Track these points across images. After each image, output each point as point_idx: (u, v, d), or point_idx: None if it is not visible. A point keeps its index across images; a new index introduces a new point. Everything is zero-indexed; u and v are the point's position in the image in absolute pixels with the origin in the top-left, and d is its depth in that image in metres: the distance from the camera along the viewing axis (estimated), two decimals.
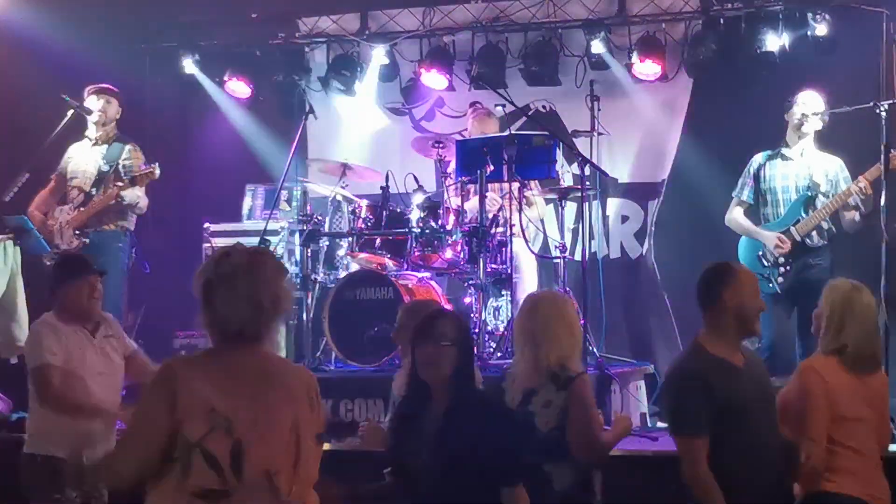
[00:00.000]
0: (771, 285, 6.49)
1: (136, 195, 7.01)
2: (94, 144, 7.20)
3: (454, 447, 3.55)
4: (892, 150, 6.10)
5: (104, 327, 4.75)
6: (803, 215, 6.45)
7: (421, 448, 3.62)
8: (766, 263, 6.52)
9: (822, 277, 6.35)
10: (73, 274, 4.69)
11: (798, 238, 6.44)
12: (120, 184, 6.94)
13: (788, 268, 6.48)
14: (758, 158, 6.70)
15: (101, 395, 4.61)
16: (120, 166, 7.12)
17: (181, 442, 2.77)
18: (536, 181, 7.20)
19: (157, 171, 6.89)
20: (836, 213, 6.46)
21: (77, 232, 7.00)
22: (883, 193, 6.02)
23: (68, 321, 4.65)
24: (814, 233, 6.45)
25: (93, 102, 7.14)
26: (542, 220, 7.37)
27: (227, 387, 2.84)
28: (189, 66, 8.60)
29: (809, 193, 6.48)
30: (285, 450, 2.86)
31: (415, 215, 6.68)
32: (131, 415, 2.94)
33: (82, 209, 7.03)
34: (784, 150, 6.62)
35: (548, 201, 7.90)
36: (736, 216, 6.72)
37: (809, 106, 6.50)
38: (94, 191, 7.06)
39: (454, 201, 6.92)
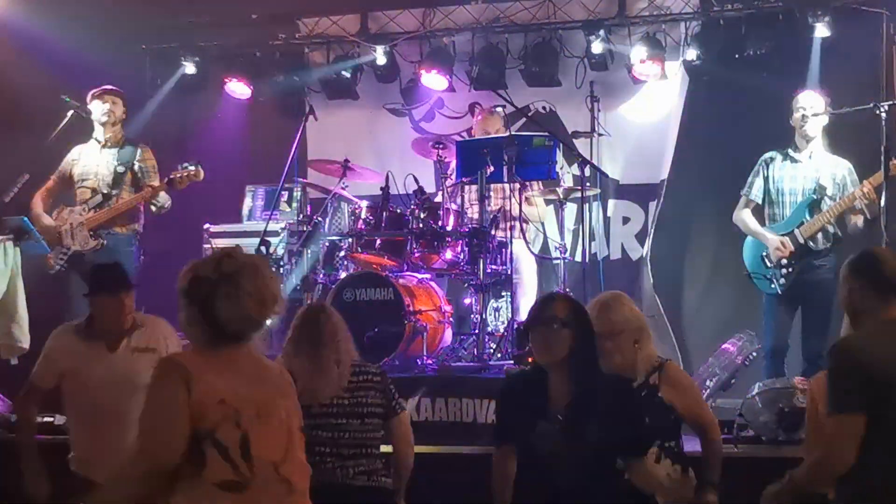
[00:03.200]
0: (773, 286, 6.50)
1: (166, 196, 7.05)
2: (103, 146, 7.21)
3: (585, 428, 3.54)
4: (893, 158, 6.09)
5: (136, 339, 4.68)
6: (807, 218, 6.44)
7: (547, 438, 3.59)
8: (768, 264, 6.52)
9: (826, 280, 6.40)
10: (106, 289, 4.66)
11: (801, 240, 6.43)
12: (153, 185, 6.97)
13: (791, 269, 6.47)
14: (767, 158, 6.69)
15: (123, 411, 4.32)
16: (136, 167, 7.14)
17: (192, 434, 2.81)
18: (538, 182, 7.19)
19: (202, 173, 6.91)
20: (842, 217, 6.46)
21: (92, 233, 7.01)
22: (883, 195, 6.02)
23: (91, 333, 4.66)
24: (818, 235, 6.45)
25: (98, 106, 7.15)
26: (542, 223, 7.37)
27: (231, 380, 2.91)
28: (189, 66, 8.60)
29: (815, 196, 6.47)
30: (283, 442, 2.94)
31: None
32: (142, 416, 2.91)
33: (100, 210, 7.03)
34: (792, 152, 6.61)
35: (548, 202, 7.91)
36: (743, 216, 6.71)
37: (808, 107, 6.50)
38: (113, 192, 7.08)
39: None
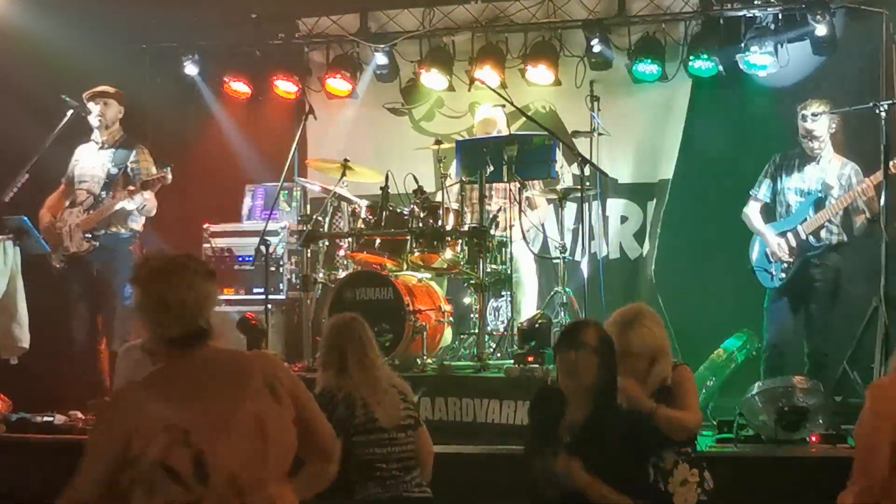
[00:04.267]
0: (773, 280, 6.62)
1: (144, 198, 7.02)
2: (101, 147, 7.22)
3: (589, 454, 3.56)
4: (893, 158, 6.12)
5: None
6: (811, 214, 6.52)
7: (551, 453, 3.62)
8: (771, 259, 6.64)
9: (827, 279, 6.46)
10: None
11: (804, 236, 6.52)
12: (131, 188, 6.96)
13: (791, 264, 6.57)
14: (776, 159, 6.81)
15: None
16: (129, 169, 7.15)
17: (140, 464, 2.74)
18: (539, 182, 7.20)
19: (170, 176, 6.90)
20: (847, 219, 6.53)
21: (87, 235, 7.01)
22: (883, 194, 6.03)
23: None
24: (821, 232, 6.53)
25: (91, 108, 7.16)
26: (542, 224, 7.37)
27: (180, 399, 2.81)
28: (189, 66, 8.60)
29: (820, 195, 6.55)
30: (251, 449, 2.81)
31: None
32: (86, 445, 2.89)
33: (92, 212, 7.04)
34: (801, 152, 6.70)
35: (548, 201, 7.91)
36: (749, 213, 6.86)
37: (811, 113, 6.56)
38: (103, 194, 7.08)
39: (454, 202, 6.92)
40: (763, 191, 6.80)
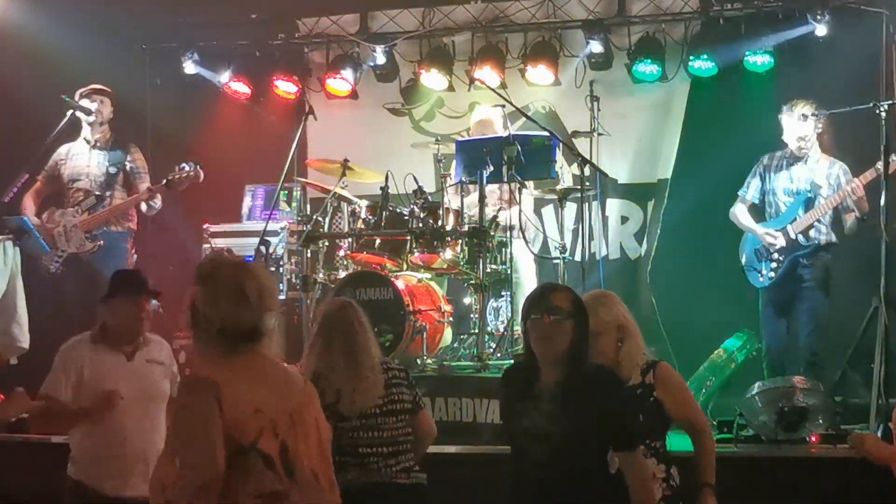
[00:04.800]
0: (761, 280, 6.70)
1: (159, 197, 7.05)
2: (93, 147, 7.20)
3: (574, 420, 3.53)
4: (893, 156, 6.14)
5: (147, 351, 4.47)
6: (800, 214, 6.55)
7: (534, 421, 3.58)
8: (759, 258, 6.72)
9: (818, 279, 6.51)
10: (128, 292, 4.40)
11: (793, 235, 6.57)
12: (151, 187, 6.96)
13: (780, 262, 6.63)
14: (764, 159, 6.86)
15: (132, 422, 4.31)
16: (127, 168, 7.14)
17: (234, 448, 2.74)
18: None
19: (201, 174, 6.91)
20: (838, 219, 6.56)
21: (88, 235, 7.01)
22: (883, 194, 6.03)
23: (106, 341, 4.40)
24: (810, 231, 6.56)
25: (86, 105, 7.15)
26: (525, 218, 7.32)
27: (260, 389, 2.84)
28: (189, 66, 8.60)
29: (810, 195, 6.58)
30: (318, 448, 2.89)
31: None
32: (174, 434, 2.88)
33: (94, 213, 7.03)
34: (789, 153, 6.74)
35: (548, 202, 7.91)
36: (737, 212, 6.91)
37: (797, 114, 6.62)
38: (106, 193, 7.07)
39: (454, 202, 6.92)
40: (751, 192, 6.87)
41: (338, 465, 4.09)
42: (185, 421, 2.83)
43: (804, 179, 6.65)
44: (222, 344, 2.89)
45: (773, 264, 6.66)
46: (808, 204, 6.60)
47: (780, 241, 6.64)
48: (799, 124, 6.60)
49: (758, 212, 6.91)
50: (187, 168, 6.99)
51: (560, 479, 3.54)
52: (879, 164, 6.24)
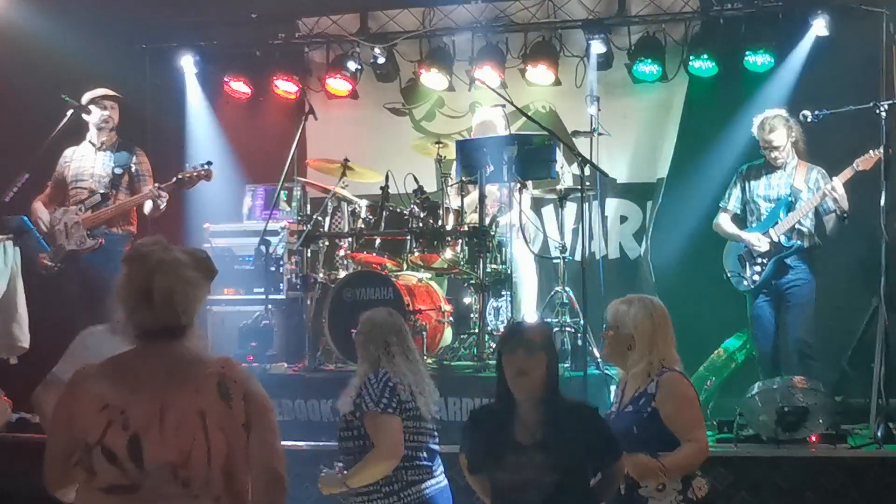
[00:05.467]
0: (745, 284, 6.77)
1: (165, 197, 7.06)
2: (98, 149, 7.21)
3: (564, 465, 3.56)
4: (871, 151, 6.22)
5: None
6: (782, 217, 6.62)
7: (520, 469, 3.60)
8: (743, 264, 6.79)
9: (801, 279, 6.58)
10: None
11: (776, 238, 6.62)
12: (160, 185, 6.96)
13: (764, 265, 6.69)
14: (742, 170, 6.96)
15: None
16: (132, 170, 7.15)
17: (83, 444, 2.78)
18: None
19: (213, 172, 6.91)
20: (819, 222, 6.66)
21: (89, 232, 7.01)
22: (883, 194, 6.05)
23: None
24: (792, 233, 6.62)
25: (96, 111, 7.16)
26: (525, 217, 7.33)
27: (127, 382, 2.83)
28: (189, 66, 8.60)
29: (791, 199, 6.65)
30: (189, 443, 2.79)
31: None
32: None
33: (97, 210, 7.03)
34: (766, 162, 6.83)
35: (548, 201, 7.91)
36: (720, 222, 7.00)
37: (768, 127, 6.69)
38: (112, 192, 7.08)
39: (454, 202, 6.92)
40: (732, 202, 6.96)
41: (413, 465, 4.21)
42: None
43: (784, 185, 6.75)
44: (131, 333, 2.90)
45: (757, 267, 6.72)
46: (790, 207, 6.68)
47: (765, 245, 6.67)
48: (768, 135, 6.67)
49: (739, 221, 6.99)
50: (199, 167, 7.00)
51: None
52: (857, 163, 6.41)
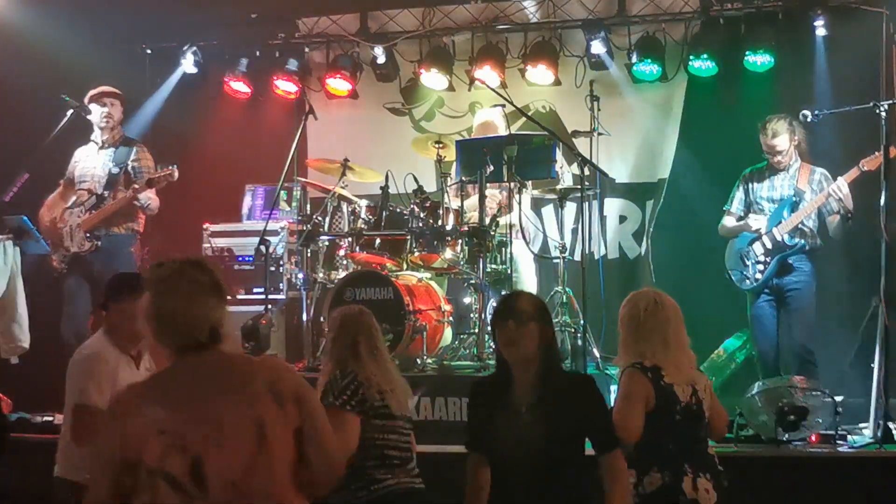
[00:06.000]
0: (748, 282, 6.74)
1: (149, 196, 7.03)
2: (101, 148, 7.22)
3: (554, 427, 3.58)
4: (877, 152, 6.22)
5: (148, 359, 4.43)
6: (786, 216, 6.62)
7: (514, 433, 3.62)
8: (746, 262, 6.76)
9: (803, 281, 6.58)
10: (129, 292, 4.23)
11: (779, 237, 6.61)
12: (136, 186, 6.95)
13: (766, 264, 6.67)
14: (745, 173, 6.94)
15: None
16: (129, 168, 7.14)
17: (143, 470, 2.73)
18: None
19: (176, 173, 6.89)
20: (821, 222, 6.64)
21: (88, 234, 7.00)
22: (883, 194, 6.04)
23: (116, 345, 4.38)
24: (796, 233, 6.62)
25: (96, 109, 7.16)
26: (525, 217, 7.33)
27: (176, 402, 2.79)
28: (189, 66, 8.60)
29: (794, 199, 6.64)
30: (249, 455, 2.76)
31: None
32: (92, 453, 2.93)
33: (94, 211, 7.04)
34: (769, 164, 6.81)
35: (548, 201, 7.91)
36: (725, 222, 7.00)
37: (768, 139, 6.68)
38: (105, 193, 7.07)
39: (454, 202, 6.92)
40: (736, 205, 6.95)
41: (383, 463, 4.18)
42: (96, 450, 2.92)
43: (788, 186, 6.75)
44: (167, 347, 2.89)
45: (760, 266, 6.69)
46: (794, 207, 6.66)
47: (764, 228, 6.65)
48: (772, 140, 6.66)
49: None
50: (167, 167, 6.98)
51: (542, 487, 3.58)
52: (862, 163, 6.39)
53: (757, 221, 6.71)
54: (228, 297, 2.98)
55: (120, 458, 2.75)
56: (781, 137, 6.66)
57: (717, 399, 4.24)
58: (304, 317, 7.01)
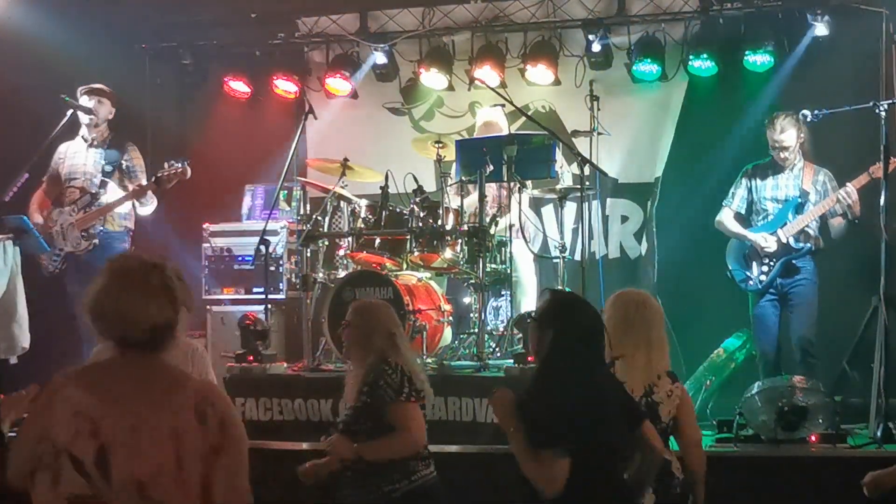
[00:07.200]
0: (752, 283, 6.74)
1: (152, 196, 7.03)
2: (90, 146, 7.20)
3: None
4: (892, 158, 6.18)
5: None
6: (791, 218, 6.61)
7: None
8: (749, 263, 6.78)
9: (806, 280, 6.59)
10: None
11: (784, 239, 6.61)
12: (141, 185, 6.94)
13: (771, 266, 6.68)
14: (748, 169, 6.93)
15: None
16: (123, 167, 7.13)
17: (51, 448, 2.76)
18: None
19: (189, 171, 6.89)
20: (825, 225, 6.65)
21: (84, 233, 7.00)
22: (883, 194, 6.04)
23: None
24: (801, 235, 6.60)
25: (84, 103, 7.15)
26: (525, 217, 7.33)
27: (103, 393, 2.80)
28: (189, 65, 8.59)
29: (800, 200, 6.64)
30: (160, 461, 2.75)
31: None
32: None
33: (91, 210, 7.03)
34: (773, 162, 6.81)
35: (548, 201, 7.91)
36: (723, 219, 6.97)
37: (776, 135, 6.68)
38: (101, 192, 7.07)
39: (454, 201, 6.92)
40: (736, 201, 6.93)
41: (426, 456, 4.29)
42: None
43: (792, 186, 6.74)
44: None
45: (765, 267, 6.70)
46: (799, 209, 6.66)
47: (773, 245, 6.66)
48: (779, 135, 6.64)
49: (743, 220, 6.96)
50: (176, 164, 6.97)
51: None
52: (872, 169, 6.34)
53: (760, 238, 6.69)
54: (186, 307, 2.94)
55: (38, 433, 2.80)
56: (789, 133, 6.65)
57: (691, 415, 4.26)
58: (304, 317, 7.02)
